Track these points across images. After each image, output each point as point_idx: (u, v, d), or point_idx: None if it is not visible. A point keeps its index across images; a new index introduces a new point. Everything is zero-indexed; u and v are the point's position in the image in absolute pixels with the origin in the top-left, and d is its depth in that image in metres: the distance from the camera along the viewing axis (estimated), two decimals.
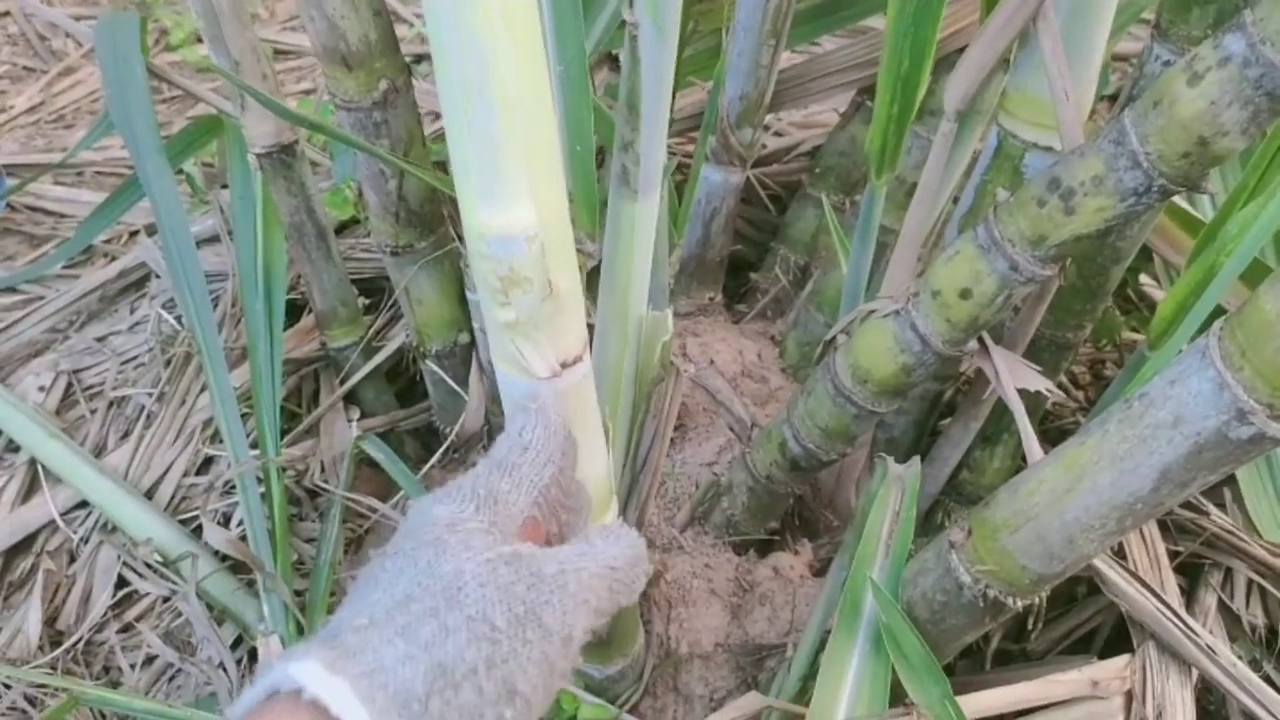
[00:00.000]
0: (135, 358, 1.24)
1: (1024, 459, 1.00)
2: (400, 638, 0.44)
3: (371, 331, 1.18)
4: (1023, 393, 0.80)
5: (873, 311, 0.84)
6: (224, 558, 1.04)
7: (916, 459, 0.83)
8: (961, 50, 1.03)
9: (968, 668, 0.95)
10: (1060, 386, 1.05)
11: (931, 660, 0.71)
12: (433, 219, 0.98)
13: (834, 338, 0.93)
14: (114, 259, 1.50)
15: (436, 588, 0.46)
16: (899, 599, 0.75)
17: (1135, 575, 0.84)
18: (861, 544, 0.78)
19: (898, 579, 0.76)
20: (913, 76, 0.86)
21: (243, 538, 1.04)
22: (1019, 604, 0.70)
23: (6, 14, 2.29)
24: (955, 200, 0.94)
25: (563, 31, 0.72)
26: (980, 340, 0.81)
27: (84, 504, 1.12)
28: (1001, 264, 0.72)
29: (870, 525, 0.79)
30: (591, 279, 0.79)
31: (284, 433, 1.10)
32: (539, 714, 0.48)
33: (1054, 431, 1.09)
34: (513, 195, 0.56)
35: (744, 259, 1.37)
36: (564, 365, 0.63)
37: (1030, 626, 0.79)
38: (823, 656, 0.74)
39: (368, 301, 1.21)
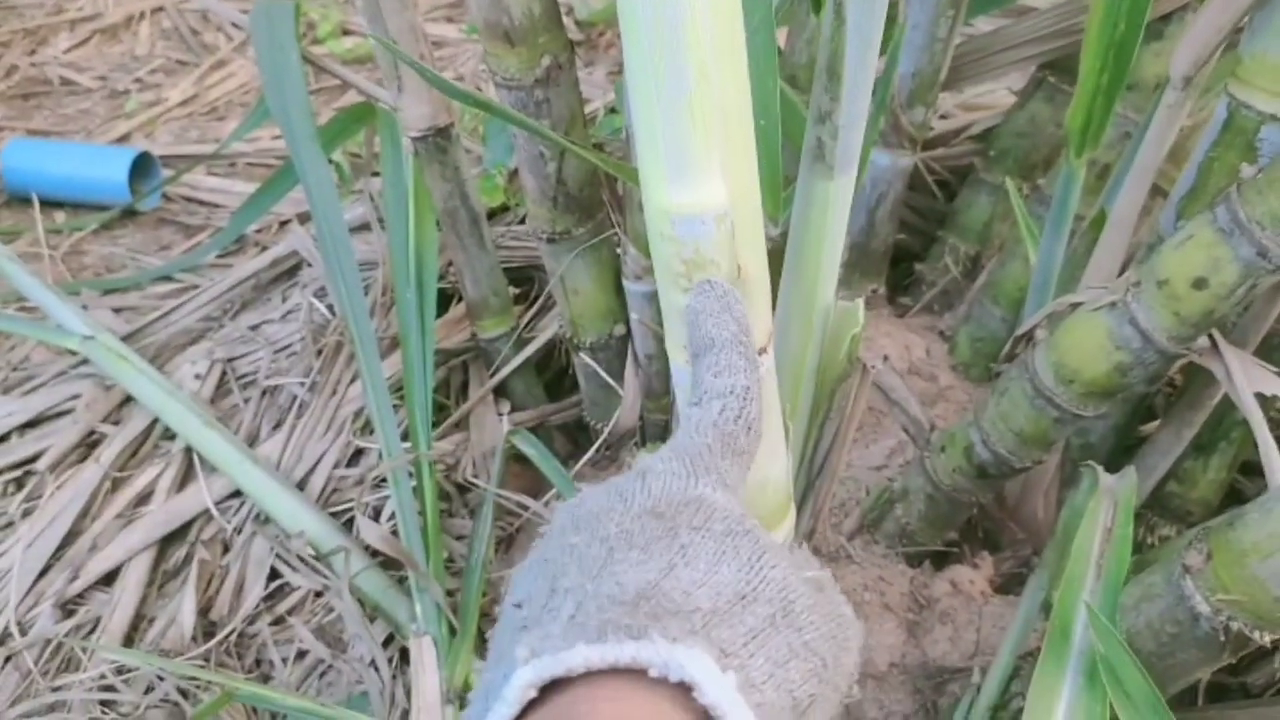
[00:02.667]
0: (288, 346, 1.24)
1: (1242, 471, 0.91)
2: (757, 648, 0.38)
3: (523, 322, 1.14)
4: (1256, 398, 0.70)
5: (1077, 305, 0.76)
6: (375, 553, 1.02)
7: (1131, 470, 0.75)
8: (1165, 18, 0.94)
9: (1175, 702, 0.85)
10: None
11: (1157, 698, 0.63)
12: (591, 204, 0.93)
13: (1028, 333, 0.84)
14: (265, 248, 1.51)
15: (770, 594, 0.40)
16: (1118, 628, 0.66)
17: None
18: (1070, 564, 0.70)
19: (1114, 605, 0.68)
20: (1127, 42, 0.77)
21: (393, 533, 1.01)
22: (1266, 639, 0.61)
23: (160, 9, 2.36)
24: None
25: None
26: (1210, 337, 0.72)
27: (238, 494, 1.12)
28: (1247, 250, 0.63)
29: (1078, 543, 0.71)
30: (770, 265, 0.74)
31: (433, 424, 1.07)
32: None
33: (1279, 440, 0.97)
34: (703, 170, 0.50)
35: (907, 248, 1.29)
36: None
37: (1278, 662, 0.70)
38: (1029, 690, 0.67)
39: (517, 291, 1.18)
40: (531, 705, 0.35)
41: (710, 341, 0.46)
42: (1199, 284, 0.65)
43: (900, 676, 0.87)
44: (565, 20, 2.16)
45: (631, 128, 0.79)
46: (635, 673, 0.34)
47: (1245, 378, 0.70)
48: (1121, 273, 0.85)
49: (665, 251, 0.54)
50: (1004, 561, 0.95)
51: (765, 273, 0.57)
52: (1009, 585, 0.95)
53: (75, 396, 1.26)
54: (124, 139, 2.00)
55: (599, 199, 0.94)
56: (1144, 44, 0.92)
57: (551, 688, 0.35)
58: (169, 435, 1.19)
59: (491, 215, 1.28)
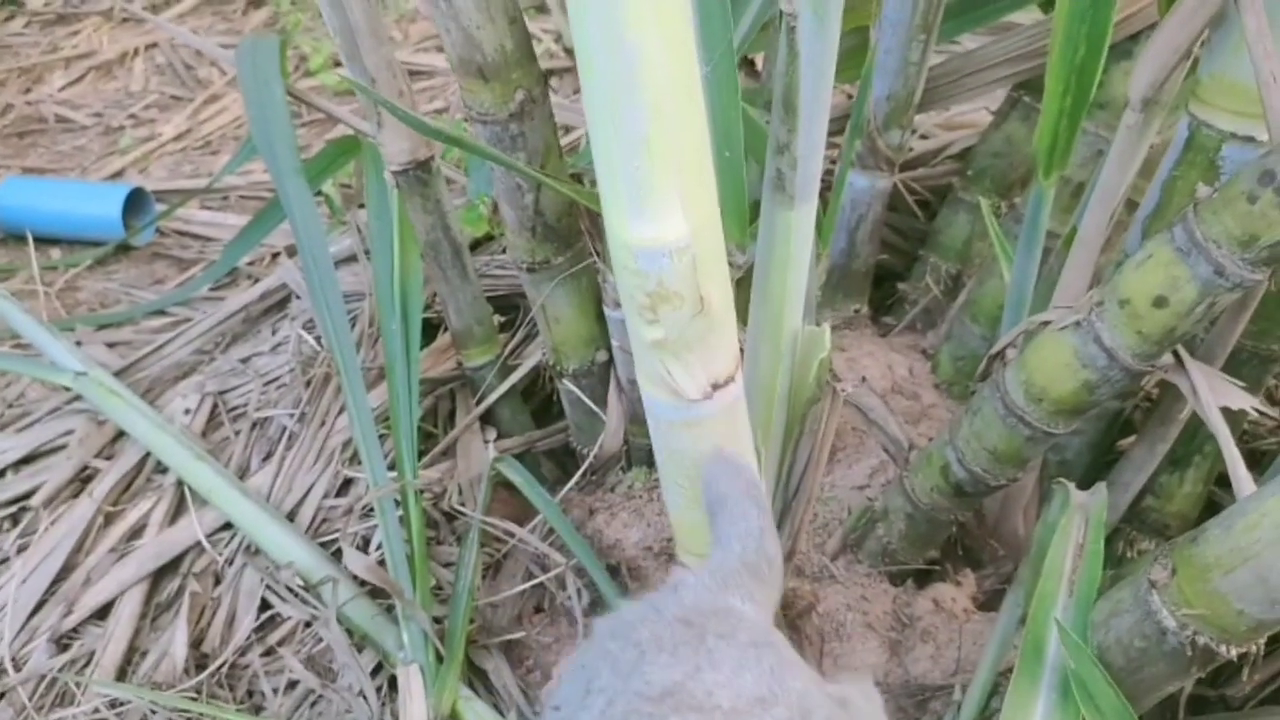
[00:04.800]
0: (277, 379, 1.25)
1: (1217, 485, 0.92)
2: None
3: (507, 350, 1.15)
4: (1223, 412, 0.71)
5: (1047, 323, 0.77)
6: (363, 583, 1.02)
7: (1102, 486, 0.76)
8: (1133, 37, 0.96)
9: (1157, 715, 0.86)
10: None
11: (1128, 712, 0.64)
12: (570, 233, 0.94)
13: (1001, 352, 0.86)
14: (257, 280, 1.52)
15: (789, 700, 0.45)
16: (1089, 643, 0.67)
17: None
18: (1042, 580, 0.71)
19: (1086, 621, 0.69)
20: (1089, 65, 0.79)
21: (381, 562, 1.02)
22: (1232, 652, 0.62)
23: (154, 45, 2.38)
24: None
25: (709, 29, 0.68)
26: (1175, 354, 0.73)
27: (229, 526, 1.13)
28: (1204, 268, 0.64)
29: (1051, 559, 0.72)
30: (738, 292, 0.75)
31: (421, 453, 1.08)
32: None
33: (1251, 454, 0.98)
34: (663, 204, 0.52)
35: (889, 268, 1.30)
36: (715, 386, 0.59)
37: (1245, 675, 0.71)
38: (1003, 706, 0.67)
39: (503, 319, 1.19)
40: None
41: (724, 497, 0.57)
42: (1159, 303, 0.66)
43: (883, 695, 0.88)
44: (553, 47, 2.18)
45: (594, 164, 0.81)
46: None
47: (1210, 393, 0.71)
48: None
49: (629, 284, 0.55)
50: (986, 579, 0.96)
51: (730, 302, 0.58)
52: (992, 602, 0.96)
53: (69, 432, 1.27)
54: (118, 175, 2.02)
55: (577, 228, 0.95)
56: (1114, 63, 0.93)
57: None
58: (161, 469, 1.20)
59: (476, 245, 1.29)
